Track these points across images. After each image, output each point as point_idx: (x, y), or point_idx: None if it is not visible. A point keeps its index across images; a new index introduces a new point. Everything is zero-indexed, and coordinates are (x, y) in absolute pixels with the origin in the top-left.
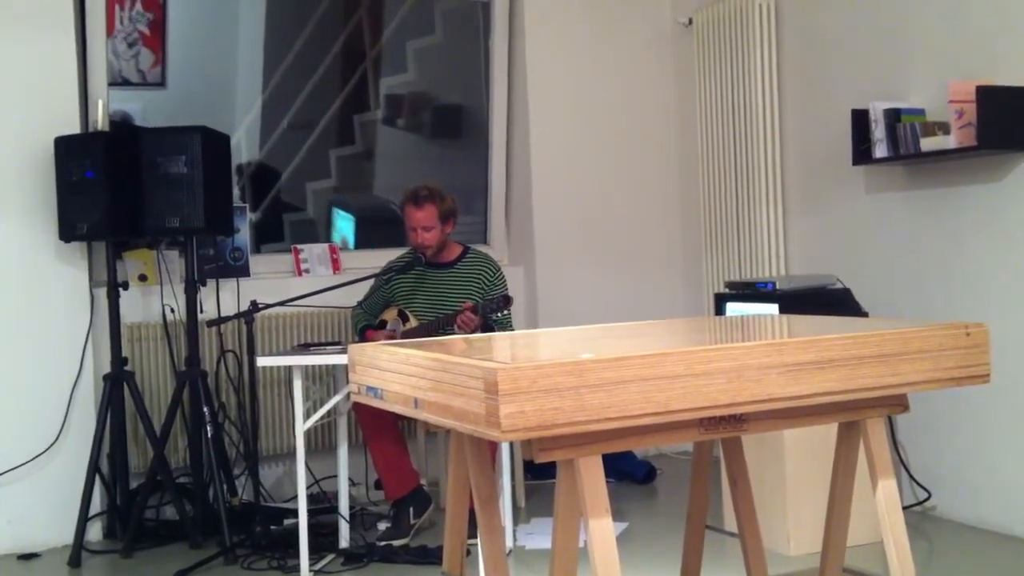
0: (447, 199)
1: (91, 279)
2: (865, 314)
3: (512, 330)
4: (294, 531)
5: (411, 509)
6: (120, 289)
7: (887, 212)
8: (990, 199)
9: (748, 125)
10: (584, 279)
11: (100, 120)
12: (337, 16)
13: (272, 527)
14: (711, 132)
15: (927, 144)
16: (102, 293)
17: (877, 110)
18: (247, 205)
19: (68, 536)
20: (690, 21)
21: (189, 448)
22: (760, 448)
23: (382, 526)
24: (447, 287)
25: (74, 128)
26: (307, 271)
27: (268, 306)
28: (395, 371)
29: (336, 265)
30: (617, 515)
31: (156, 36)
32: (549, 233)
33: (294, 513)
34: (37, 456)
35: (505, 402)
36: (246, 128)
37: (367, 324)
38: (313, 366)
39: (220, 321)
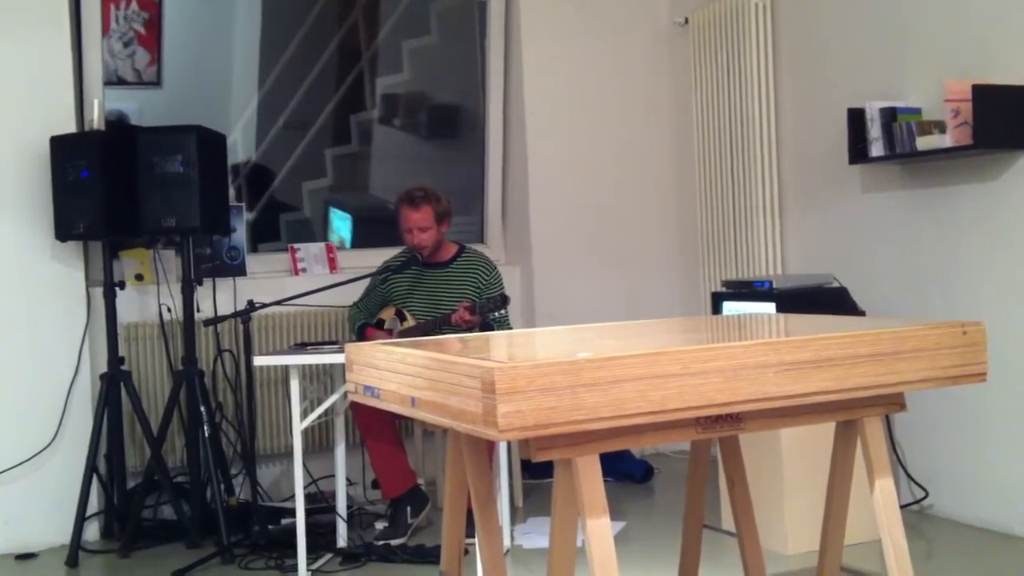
0: (442, 200)
1: (87, 278)
2: (862, 313)
3: (511, 329)
4: (291, 530)
5: (408, 508)
6: (116, 288)
7: (883, 211)
8: (986, 198)
9: (744, 124)
10: (581, 278)
11: (96, 119)
12: (333, 15)
13: (269, 526)
14: (707, 131)
15: (923, 143)
16: (98, 292)
17: (873, 109)
18: (243, 204)
19: (65, 536)
20: (686, 20)
21: (186, 448)
22: (757, 447)
23: (379, 525)
24: (443, 286)
25: (70, 127)
26: (304, 270)
27: (265, 305)
28: (392, 370)
29: (333, 264)
30: (615, 514)
31: (152, 35)
32: (546, 233)
33: (291, 512)
34: (34, 456)
35: (502, 401)
36: (242, 127)
37: (365, 323)
38: (310, 365)
39: (217, 320)
